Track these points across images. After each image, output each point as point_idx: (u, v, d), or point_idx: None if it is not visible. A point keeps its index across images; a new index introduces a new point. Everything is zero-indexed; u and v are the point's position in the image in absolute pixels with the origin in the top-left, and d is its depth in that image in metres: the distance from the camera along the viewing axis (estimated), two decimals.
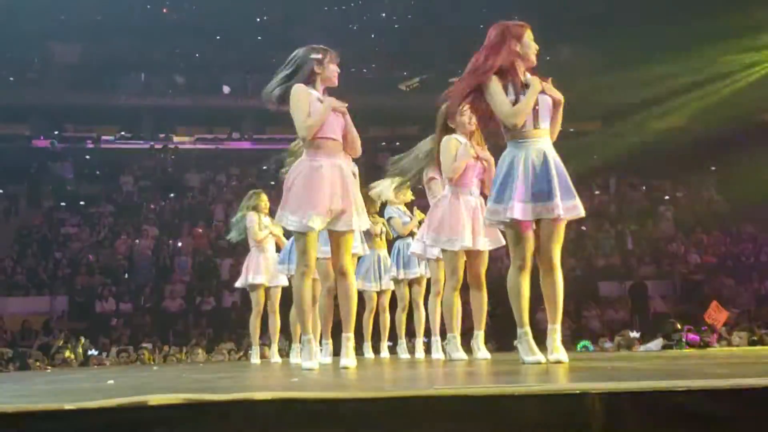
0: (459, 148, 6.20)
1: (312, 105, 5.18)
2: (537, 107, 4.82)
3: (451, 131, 6.27)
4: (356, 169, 6.62)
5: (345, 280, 5.26)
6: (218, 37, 27.90)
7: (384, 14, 28.03)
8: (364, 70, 26.88)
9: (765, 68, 23.29)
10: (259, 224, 8.83)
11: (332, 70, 5.32)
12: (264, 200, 8.93)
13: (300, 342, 6.49)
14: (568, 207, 4.75)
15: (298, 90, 5.21)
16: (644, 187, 23.52)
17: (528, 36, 4.93)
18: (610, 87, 22.07)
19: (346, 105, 5.31)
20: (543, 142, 4.83)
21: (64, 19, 25.21)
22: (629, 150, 22.30)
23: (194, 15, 27.79)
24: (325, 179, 5.09)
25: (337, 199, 5.09)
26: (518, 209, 4.70)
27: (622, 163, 22.88)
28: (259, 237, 8.82)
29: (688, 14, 21.07)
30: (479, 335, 6.36)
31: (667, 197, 22.85)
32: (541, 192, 4.71)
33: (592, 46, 23.39)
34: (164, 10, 28.10)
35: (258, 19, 27.69)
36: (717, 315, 12.69)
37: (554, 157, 4.81)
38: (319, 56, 5.30)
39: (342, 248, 5.24)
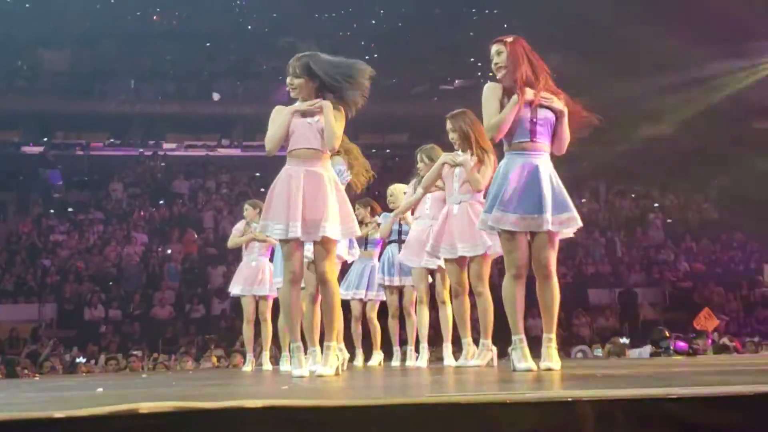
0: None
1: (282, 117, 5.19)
2: (535, 121, 4.83)
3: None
4: (347, 176, 6.63)
5: (326, 287, 5.16)
6: (208, 44, 27.90)
7: (374, 21, 28.07)
8: None
9: (754, 74, 23.41)
10: (242, 231, 8.97)
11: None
12: (246, 208, 9.03)
13: (289, 350, 6.47)
14: (562, 220, 4.78)
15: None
16: (633, 195, 23.59)
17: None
18: (599, 95, 22.10)
19: (315, 103, 5.15)
20: (538, 156, 4.85)
21: (54, 27, 25.19)
22: (618, 158, 22.36)
23: (184, 22, 27.80)
24: (300, 188, 5.04)
25: (313, 207, 5.02)
26: (507, 220, 4.72)
27: (611, 171, 22.95)
28: (229, 244, 9.18)
29: (677, 21, 21.17)
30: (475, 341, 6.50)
31: (656, 205, 22.92)
32: (531, 206, 4.74)
33: (581, 54, 23.46)
34: (154, 18, 28.10)
35: (248, 26, 27.71)
36: (706, 322, 12.74)
37: (549, 172, 4.83)
38: None
39: (322, 254, 5.11)
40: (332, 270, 5.19)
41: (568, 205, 4.83)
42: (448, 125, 6.35)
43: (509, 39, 4.95)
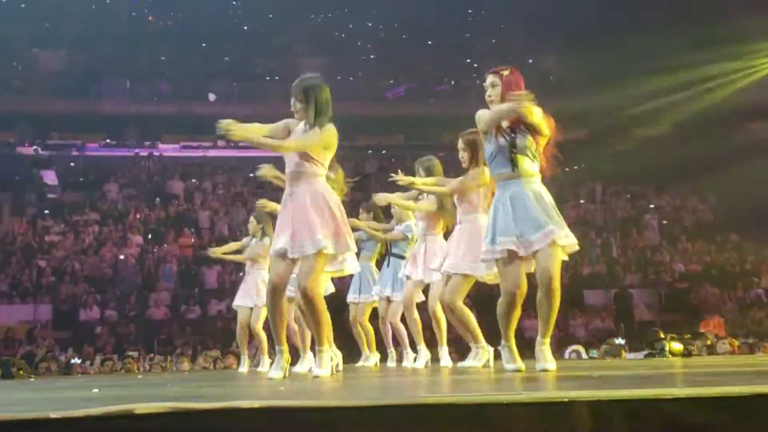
0: None
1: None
2: (515, 151, 4.86)
3: None
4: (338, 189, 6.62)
5: (308, 304, 5.13)
6: (204, 45, 27.87)
7: (370, 23, 28.05)
8: (351, 79, 26.89)
9: (749, 76, 23.46)
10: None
11: None
12: (251, 221, 9.14)
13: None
14: (546, 233, 4.80)
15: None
16: (629, 196, 23.61)
17: None
18: (595, 96, 22.15)
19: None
20: (522, 181, 4.88)
21: (50, 27, 25.16)
22: (614, 158, 22.39)
23: (179, 22, 27.77)
24: (288, 207, 5.14)
25: (302, 223, 5.04)
26: (504, 242, 4.80)
27: (607, 172, 22.97)
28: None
29: (672, 22, 21.21)
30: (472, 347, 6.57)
31: (651, 206, 22.94)
32: (526, 230, 4.80)
33: (577, 55, 23.50)
34: (150, 18, 28.06)
35: (244, 27, 27.67)
36: (714, 329, 12.83)
37: (538, 194, 4.89)
38: None
39: (306, 268, 5.05)
40: (315, 286, 5.07)
41: (552, 218, 4.86)
42: (460, 144, 6.37)
43: (506, 71, 4.97)
